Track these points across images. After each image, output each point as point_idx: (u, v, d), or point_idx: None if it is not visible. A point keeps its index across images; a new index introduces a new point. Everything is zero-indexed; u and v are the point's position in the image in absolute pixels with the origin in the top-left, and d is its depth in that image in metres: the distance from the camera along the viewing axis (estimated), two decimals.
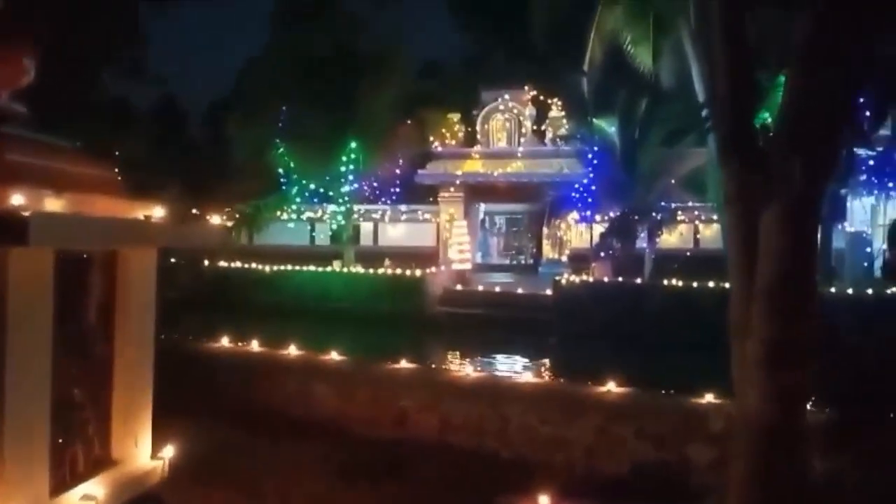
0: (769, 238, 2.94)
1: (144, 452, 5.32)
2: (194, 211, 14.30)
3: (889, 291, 16.27)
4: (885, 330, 11.52)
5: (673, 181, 21.54)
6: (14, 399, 3.97)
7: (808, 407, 3.41)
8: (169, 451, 5.49)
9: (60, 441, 4.57)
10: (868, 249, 22.39)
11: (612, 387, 7.49)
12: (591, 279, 19.81)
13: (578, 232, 25.38)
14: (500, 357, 15.92)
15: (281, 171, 24.12)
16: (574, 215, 24.11)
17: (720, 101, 3.12)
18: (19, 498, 4.02)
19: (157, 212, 5.05)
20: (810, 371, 3.23)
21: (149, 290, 5.32)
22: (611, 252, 21.26)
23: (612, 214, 22.62)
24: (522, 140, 26.26)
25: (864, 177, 19.82)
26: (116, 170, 5.37)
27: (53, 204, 4.19)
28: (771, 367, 2.97)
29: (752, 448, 3.11)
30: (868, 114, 16.10)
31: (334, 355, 9.07)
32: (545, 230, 25.81)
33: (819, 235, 3.25)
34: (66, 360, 4.57)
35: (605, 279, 19.56)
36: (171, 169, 13.99)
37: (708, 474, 6.09)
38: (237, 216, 22.55)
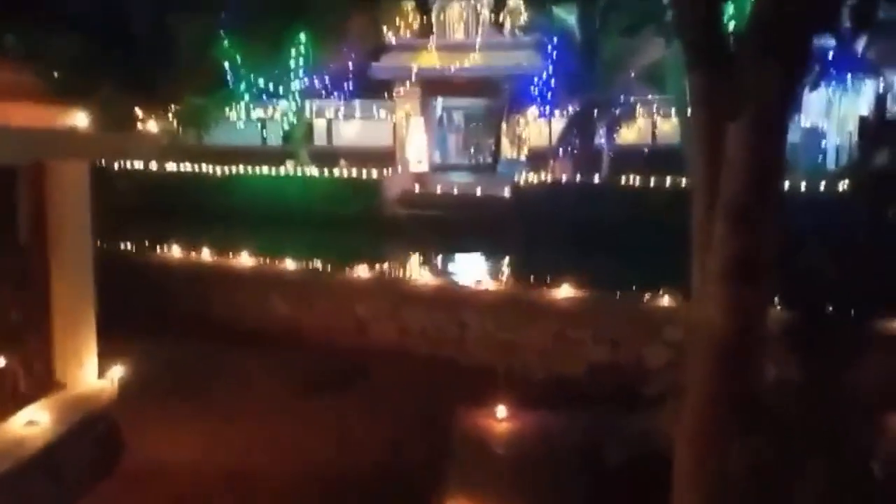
0: (736, 147, 2.77)
1: (91, 373, 5.17)
2: (136, 111, 13.54)
3: (841, 187, 16.50)
4: (839, 227, 11.71)
5: (633, 74, 21.15)
6: None
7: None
8: (118, 371, 5.35)
9: None
10: (822, 143, 22.59)
11: (568, 291, 7.50)
12: (549, 179, 19.67)
13: (538, 128, 25.01)
14: (458, 261, 15.93)
15: (227, 66, 23.03)
16: (533, 111, 23.68)
17: (687, 1, 2.86)
18: None
19: (83, 120, 4.67)
20: (771, 283, 3.15)
21: (82, 204, 5.01)
22: (569, 149, 21.07)
23: (571, 109, 22.26)
24: (480, 31, 25.36)
25: (820, 68, 19.68)
26: (37, 72, 4.92)
27: None
28: (732, 281, 2.88)
29: (710, 361, 3.06)
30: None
31: (289, 264, 8.89)
32: (504, 127, 25.37)
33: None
34: None
35: (564, 178, 19.43)
36: (106, 66, 13.04)
37: (663, 376, 6.20)
38: (183, 115, 21.59)
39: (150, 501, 4.76)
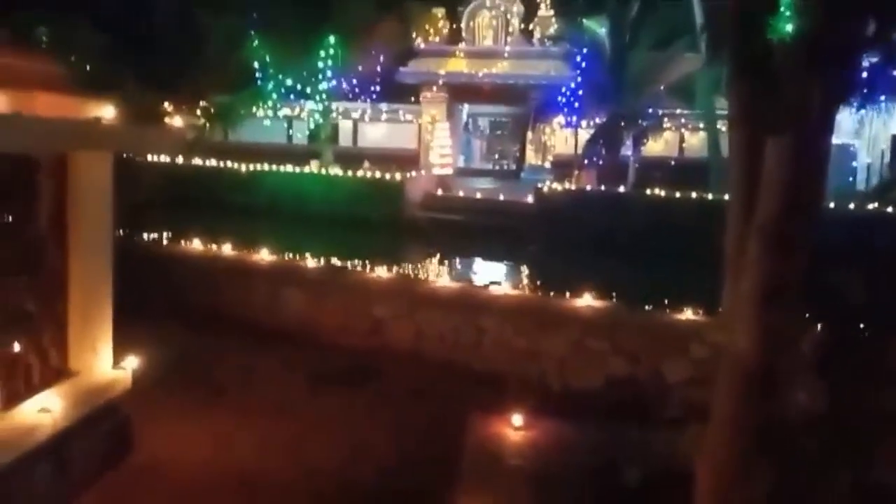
0: (776, 166, 2.66)
1: (105, 362, 5.14)
2: (165, 105, 13.61)
3: (871, 207, 16.19)
4: (870, 247, 11.45)
5: (661, 87, 20.98)
6: None
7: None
8: (132, 362, 5.32)
9: (12, 352, 4.37)
10: (854, 163, 22.23)
11: (589, 300, 7.38)
12: (573, 187, 19.53)
13: (563, 137, 24.88)
14: (478, 266, 15.84)
15: (256, 65, 23.18)
16: (559, 120, 23.56)
17: (732, 12, 2.75)
18: None
19: (109, 112, 4.66)
20: (801, 307, 3.03)
21: (104, 196, 4.99)
22: (595, 159, 20.92)
23: (598, 120, 22.11)
24: (509, 39, 25.32)
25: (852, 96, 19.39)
26: (63, 64, 4.92)
27: None
28: (764, 304, 2.76)
29: (737, 384, 2.95)
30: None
31: (308, 261, 8.86)
32: (529, 135, 25.27)
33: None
34: (14, 269, 4.31)
35: (588, 187, 19.29)
36: (134, 61, 13.11)
37: (683, 392, 6.06)
38: (210, 112, 21.73)
39: (156, 497, 4.71)
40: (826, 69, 2.60)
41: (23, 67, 4.19)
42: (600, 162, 20.94)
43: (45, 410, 4.44)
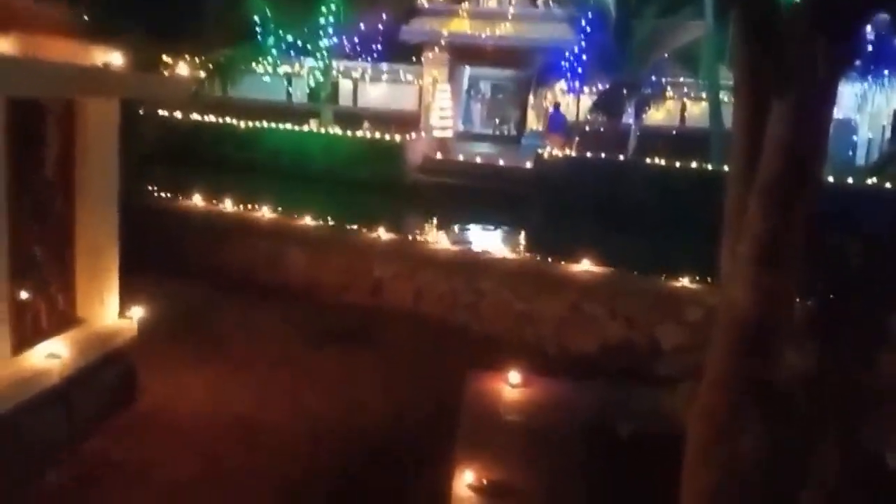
0: (779, 126, 2.71)
1: (111, 311, 5.23)
2: (163, 58, 13.49)
3: (871, 182, 16.23)
4: (867, 223, 11.53)
5: (666, 55, 20.82)
6: None
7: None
8: (137, 311, 5.41)
9: (22, 299, 4.44)
10: (854, 137, 22.20)
11: (587, 265, 7.47)
12: (573, 154, 19.50)
13: (565, 103, 24.75)
14: (477, 229, 15.90)
15: (256, 19, 22.86)
16: (562, 85, 23.40)
17: None
18: None
19: (118, 59, 4.66)
20: (798, 269, 3.11)
21: (110, 143, 5.02)
22: (597, 126, 20.90)
23: (600, 86, 21.99)
24: (514, 0, 25.01)
25: (857, 62, 19.26)
26: (72, 9, 4.90)
27: None
28: (762, 265, 2.84)
29: (732, 341, 3.04)
30: None
31: (309, 220, 8.91)
32: (531, 99, 25.11)
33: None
34: (23, 215, 4.36)
35: (588, 154, 19.20)
36: (133, 10, 12.94)
37: (677, 356, 6.19)
38: (209, 65, 21.49)
39: (159, 444, 4.82)
40: (830, 32, 2.64)
41: (31, 12, 4.18)
42: (601, 129, 20.90)
43: (53, 356, 4.53)
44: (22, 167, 4.28)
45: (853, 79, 21.28)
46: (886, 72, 20.25)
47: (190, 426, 5.08)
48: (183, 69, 5.25)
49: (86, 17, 5.41)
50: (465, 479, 3.69)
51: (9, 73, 3.70)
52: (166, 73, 5.42)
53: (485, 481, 3.67)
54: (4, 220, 4.07)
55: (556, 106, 22.68)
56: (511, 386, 5.03)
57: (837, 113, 22.82)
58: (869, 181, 16.53)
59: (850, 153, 21.69)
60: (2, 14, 3.92)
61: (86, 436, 4.73)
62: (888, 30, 18.25)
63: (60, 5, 4.60)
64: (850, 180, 16.23)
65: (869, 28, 18.28)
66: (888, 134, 21.35)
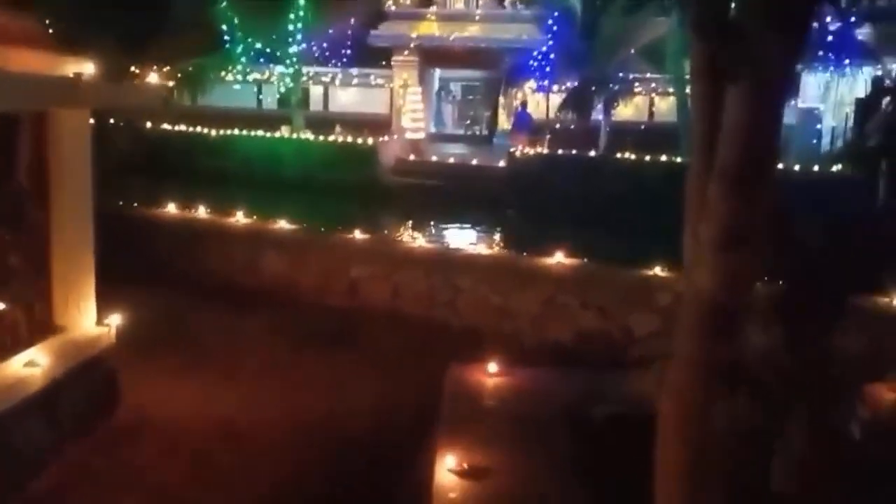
0: (734, 115, 2.84)
1: (89, 319, 5.25)
2: (132, 69, 13.42)
3: (835, 170, 16.61)
4: (831, 210, 11.82)
5: (632, 51, 21.11)
6: None
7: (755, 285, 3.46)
8: (115, 319, 5.43)
9: None
10: (818, 126, 22.65)
11: (560, 258, 7.60)
12: (545, 151, 19.69)
13: (535, 101, 24.97)
14: (452, 228, 16.00)
15: (224, 27, 22.78)
16: (531, 84, 23.62)
17: None
18: None
19: (89, 68, 4.69)
20: (760, 251, 3.24)
21: (83, 153, 5.05)
22: (567, 124, 21.12)
23: (569, 84, 22.22)
24: (481, 2, 25.18)
25: (820, 52, 19.68)
26: (42, 21, 4.92)
27: None
28: (724, 248, 2.96)
29: (698, 323, 3.15)
30: None
31: (284, 224, 8.95)
32: (501, 99, 25.31)
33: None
34: None
35: (559, 151, 19.38)
36: (100, 20, 12.83)
37: (649, 343, 6.34)
38: (178, 75, 21.36)
39: (144, 450, 4.85)
40: (781, 22, 2.77)
41: (2, 23, 4.20)
42: (571, 126, 21.11)
43: (32, 364, 4.54)
44: None
45: (817, 69, 21.74)
46: (848, 62, 20.69)
47: (173, 431, 5.11)
48: (153, 79, 5.28)
49: (55, 29, 5.42)
50: (447, 464, 3.79)
51: None
52: (139, 80, 5.44)
53: (466, 465, 3.77)
54: None
55: (524, 105, 22.89)
56: (490, 376, 5.13)
57: (802, 102, 23.30)
58: (833, 168, 16.92)
59: (815, 141, 22.13)
60: None
61: (68, 443, 4.74)
62: (849, 21, 18.68)
63: (31, 17, 4.61)
64: (815, 168, 16.59)
65: (829, 19, 18.70)
66: (851, 122, 21.80)
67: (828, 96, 22.90)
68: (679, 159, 17.12)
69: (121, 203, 10.12)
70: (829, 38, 18.82)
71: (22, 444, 4.38)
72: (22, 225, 4.67)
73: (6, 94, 3.98)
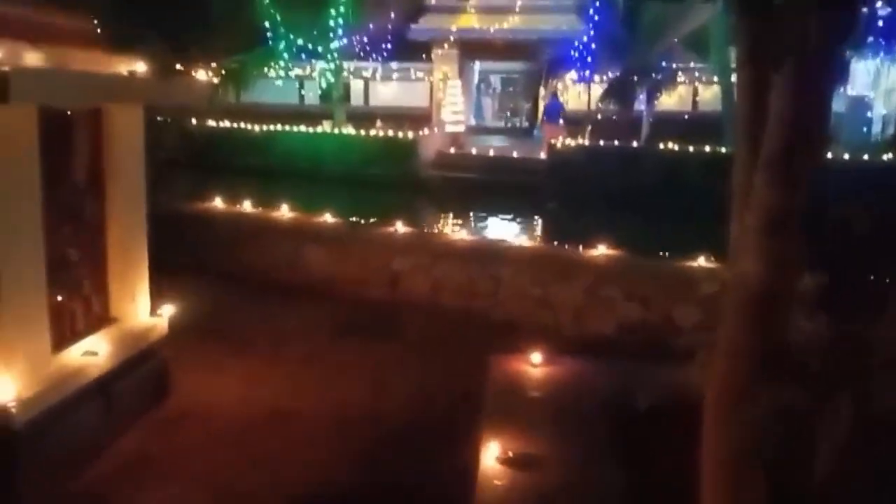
0: (780, 100, 2.82)
1: (143, 310, 5.42)
2: (178, 66, 13.71)
3: (885, 158, 16.16)
4: (880, 198, 11.52)
5: (675, 40, 20.78)
6: (7, 258, 3.97)
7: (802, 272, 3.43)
8: (167, 310, 5.60)
9: (59, 299, 4.63)
10: (868, 114, 22.04)
11: (603, 249, 7.57)
12: (586, 143, 19.54)
13: (576, 92, 24.75)
14: (493, 220, 16.02)
15: (267, 24, 23.12)
16: (572, 75, 23.43)
17: None
18: (22, 354, 4.12)
19: (140, 66, 4.85)
20: (805, 238, 3.22)
21: (137, 148, 5.21)
22: (609, 114, 20.94)
23: (611, 74, 22.00)
24: None
25: (870, 38, 19.12)
26: (94, 22, 5.09)
27: (32, 58, 3.99)
28: (769, 234, 2.94)
29: (744, 310, 3.14)
30: None
31: (327, 218, 9.08)
32: (542, 91, 25.16)
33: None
34: (57, 219, 4.55)
35: (601, 142, 19.23)
36: (146, 19, 13.15)
37: (693, 334, 6.28)
38: (222, 72, 21.76)
39: (194, 436, 5.00)
40: (824, 6, 2.74)
41: (60, 25, 4.37)
42: (613, 117, 20.91)
43: (90, 353, 4.73)
44: (55, 174, 4.46)
45: (866, 56, 21.14)
46: None
47: (222, 418, 5.26)
48: (199, 76, 5.42)
49: (105, 28, 5.60)
50: (492, 453, 3.84)
51: (41, 84, 3.88)
52: (186, 76, 5.61)
53: (511, 454, 3.82)
54: (41, 225, 4.26)
55: (554, 94, 22.71)
56: (533, 366, 5.16)
57: (852, 90, 22.69)
58: (885, 157, 16.45)
59: (865, 129, 21.54)
60: (33, 30, 4.11)
61: (124, 429, 4.92)
62: None
63: (85, 18, 4.78)
64: (864, 156, 16.15)
65: (880, 4, 18.15)
66: None
67: (878, 84, 22.26)
68: (724, 149, 16.84)
69: (169, 198, 10.39)
70: (879, 23, 18.28)
71: (81, 430, 4.56)
72: (80, 220, 4.84)
73: (64, 90, 4.14)
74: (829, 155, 15.75)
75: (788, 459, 3.35)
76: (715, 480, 3.14)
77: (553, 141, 19.40)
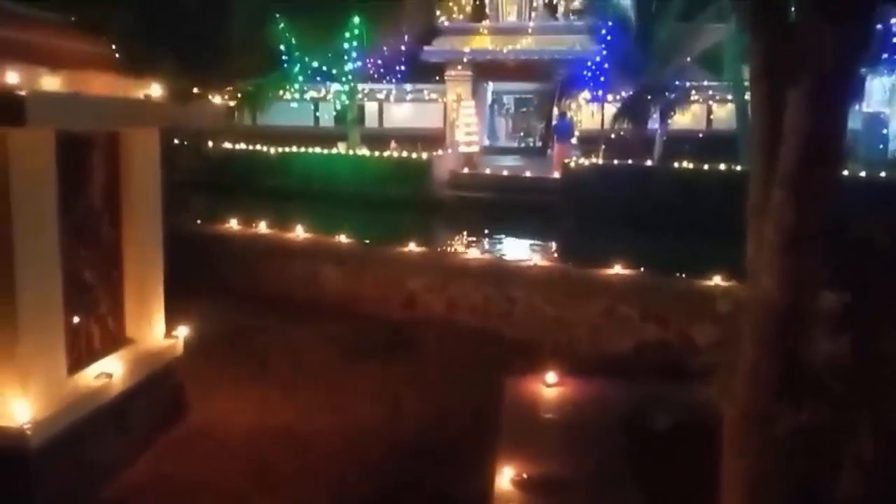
0: (796, 116, 2.79)
1: (158, 331, 5.44)
2: (194, 90, 13.90)
3: None
4: None
5: (688, 59, 20.82)
6: (25, 281, 3.99)
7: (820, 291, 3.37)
8: (183, 331, 5.62)
9: (75, 320, 4.65)
10: (885, 131, 21.89)
11: (619, 269, 7.53)
12: (600, 162, 19.53)
13: (589, 112, 24.80)
14: (507, 240, 16.00)
15: (282, 47, 23.42)
16: (585, 95, 23.50)
17: None
18: (38, 376, 4.13)
19: (157, 90, 4.90)
20: (823, 256, 3.18)
21: (153, 171, 5.25)
22: (622, 133, 20.94)
23: (624, 94, 22.03)
24: (533, 14, 25.22)
25: (885, 55, 19.03)
26: (112, 46, 5.17)
27: (49, 82, 4.05)
28: (788, 252, 2.91)
29: (764, 330, 3.10)
30: None
31: (342, 238, 9.10)
32: (555, 111, 25.24)
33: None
34: (74, 241, 4.58)
35: (615, 161, 19.21)
36: (163, 43, 13.37)
37: (711, 353, 6.20)
38: (238, 95, 22.06)
39: (211, 457, 4.98)
40: (839, 20, 2.72)
41: (78, 49, 4.43)
42: (627, 136, 20.92)
43: (105, 375, 4.74)
44: (72, 196, 4.51)
45: (882, 72, 21.03)
46: None
47: (239, 438, 5.24)
48: (215, 99, 5.50)
49: (122, 52, 5.69)
50: (507, 475, 3.79)
51: (58, 108, 3.93)
52: (202, 99, 5.69)
53: (525, 475, 3.77)
54: (57, 247, 4.29)
55: (563, 114, 22.78)
56: (548, 386, 5.12)
57: (868, 107, 22.57)
58: None
59: (881, 146, 21.39)
60: (51, 54, 4.17)
61: (140, 451, 4.91)
62: None
63: (102, 42, 4.85)
64: (881, 173, 16.01)
65: (895, 21, 18.07)
66: None
67: (894, 100, 22.12)
68: (739, 167, 16.76)
69: (186, 219, 10.47)
70: (895, 40, 18.21)
71: (95, 452, 4.56)
72: (96, 242, 4.88)
73: (87, 115, 4.19)
74: (846, 172, 15.61)
75: (809, 481, 3.28)
76: (735, 502, 3.08)
77: (566, 160, 19.41)
